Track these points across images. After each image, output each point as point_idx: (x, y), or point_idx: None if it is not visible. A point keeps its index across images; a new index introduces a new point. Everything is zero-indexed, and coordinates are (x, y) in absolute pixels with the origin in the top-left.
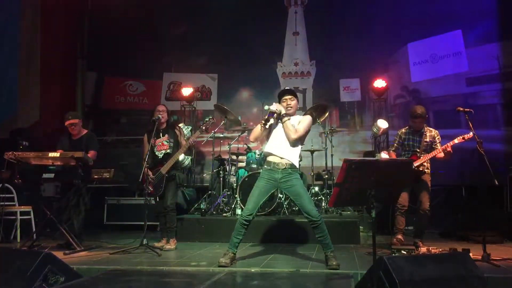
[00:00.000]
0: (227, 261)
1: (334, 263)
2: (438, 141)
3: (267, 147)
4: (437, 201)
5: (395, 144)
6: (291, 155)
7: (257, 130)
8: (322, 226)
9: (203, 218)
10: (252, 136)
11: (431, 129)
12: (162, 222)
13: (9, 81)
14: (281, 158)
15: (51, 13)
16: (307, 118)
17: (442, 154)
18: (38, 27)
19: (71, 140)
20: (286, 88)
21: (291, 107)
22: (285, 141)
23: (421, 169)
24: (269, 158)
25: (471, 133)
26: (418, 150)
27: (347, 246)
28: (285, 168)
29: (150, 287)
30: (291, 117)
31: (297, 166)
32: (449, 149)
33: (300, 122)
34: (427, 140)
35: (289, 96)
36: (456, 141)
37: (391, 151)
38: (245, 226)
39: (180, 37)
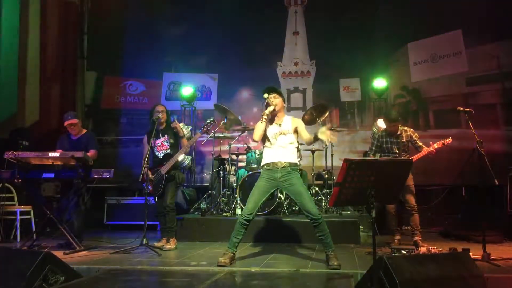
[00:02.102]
0: (227, 260)
1: (335, 263)
2: (416, 139)
3: (266, 149)
4: (437, 201)
5: (374, 148)
6: (289, 154)
7: (261, 126)
8: (323, 225)
9: (203, 218)
10: (256, 135)
11: (406, 128)
12: (162, 222)
13: (9, 81)
14: (280, 157)
15: (51, 13)
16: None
17: (424, 154)
18: (38, 26)
19: (71, 140)
20: (269, 86)
21: (275, 104)
22: (282, 141)
23: None
24: (269, 159)
25: (450, 139)
26: (397, 151)
27: (347, 246)
28: (284, 167)
29: (150, 287)
30: (284, 118)
31: (297, 164)
32: (434, 150)
33: (298, 128)
34: (404, 140)
35: (273, 94)
36: (436, 146)
37: (371, 155)
38: (245, 226)
39: (180, 37)
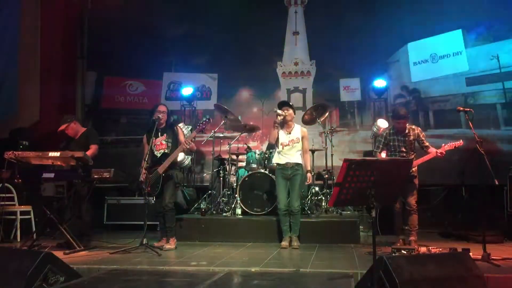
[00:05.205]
0: (287, 243)
1: (295, 243)
2: (423, 138)
3: (278, 151)
4: (437, 201)
5: (381, 146)
6: (296, 156)
7: (275, 132)
8: (297, 216)
9: (203, 218)
10: (272, 139)
11: (413, 127)
12: (162, 222)
13: (9, 81)
14: (289, 159)
15: (51, 13)
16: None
17: (433, 155)
18: (38, 27)
19: (73, 140)
20: (281, 101)
21: (285, 114)
22: (289, 146)
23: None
24: (280, 160)
25: (461, 141)
26: (404, 149)
27: (347, 246)
28: (292, 166)
29: (150, 287)
30: (293, 127)
31: (300, 163)
32: (444, 152)
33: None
34: (411, 139)
35: (285, 107)
36: (446, 147)
37: (378, 153)
38: (287, 215)
39: (180, 37)
